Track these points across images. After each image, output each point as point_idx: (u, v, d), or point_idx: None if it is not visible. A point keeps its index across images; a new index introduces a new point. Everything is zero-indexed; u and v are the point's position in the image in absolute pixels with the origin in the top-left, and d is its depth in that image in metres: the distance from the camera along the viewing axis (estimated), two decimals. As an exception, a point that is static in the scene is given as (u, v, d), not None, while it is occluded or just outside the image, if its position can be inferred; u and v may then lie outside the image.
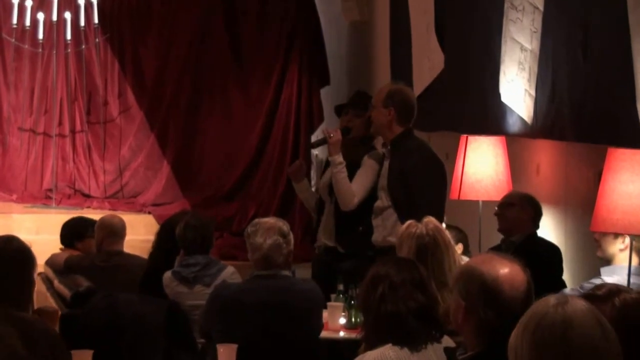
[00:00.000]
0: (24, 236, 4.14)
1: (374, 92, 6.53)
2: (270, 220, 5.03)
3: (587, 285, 4.57)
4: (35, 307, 4.87)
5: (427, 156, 5.99)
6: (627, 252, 4.68)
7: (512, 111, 6.02)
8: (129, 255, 6.77)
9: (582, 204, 5.56)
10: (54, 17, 10.23)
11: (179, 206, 9.73)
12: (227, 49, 10.50)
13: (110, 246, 6.68)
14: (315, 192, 6.98)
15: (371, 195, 6.14)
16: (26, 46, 10.41)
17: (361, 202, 6.17)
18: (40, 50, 10.43)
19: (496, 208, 5.68)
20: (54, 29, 10.29)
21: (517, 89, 5.95)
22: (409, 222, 4.59)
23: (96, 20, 10.29)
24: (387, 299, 3.53)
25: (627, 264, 4.63)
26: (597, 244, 4.92)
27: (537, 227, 5.59)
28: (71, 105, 10.60)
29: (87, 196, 10.54)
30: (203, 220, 5.70)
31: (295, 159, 8.83)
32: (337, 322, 5.34)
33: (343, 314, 5.39)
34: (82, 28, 10.37)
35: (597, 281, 4.62)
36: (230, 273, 5.62)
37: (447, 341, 3.55)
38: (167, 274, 5.59)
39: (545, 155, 6.17)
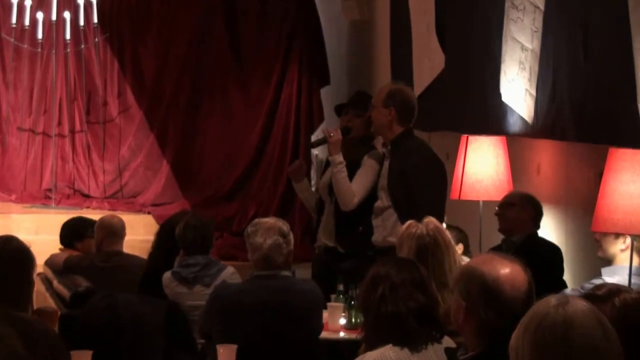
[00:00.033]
0: (23, 236, 4.14)
1: (374, 91, 6.53)
2: (270, 220, 5.03)
3: (588, 286, 4.56)
4: (35, 307, 4.86)
5: (427, 156, 5.98)
6: (628, 252, 4.68)
7: (512, 111, 6.01)
8: (128, 256, 6.76)
9: (583, 204, 5.55)
10: (54, 17, 10.23)
11: (178, 206, 9.72)
12: (227, 49, 10.49)
13: (110, 246, 6.67)
14: (315, 192, 6.97)
15: (371, 195, 6.13)
16: (25, 46, 10.41)
17: (361, 202, 6.17)
18: (39, 49, 10.42)
19: (497, 208, 5.68)
20: (53, 28, 10.28)
21: (517, 89, 5.94)
22: (409, 222, 4.58)
23: (95, 20, 10.28)
24: (387, 299, 3.53)
25: (628, 265, 4.62)
26: (598, 244, 4.91)
27: (538, 227, 5.58)
28: (70, 105, 10.59)
29: (87, 196, 10.53)
30: (203, 221, 5.70)
31: (295, 159, 8.83)
32: (337, 323, 5.33)
33: (343, 314, 5.38)
34: (82, 28, 10.36)
35: (598, 282, 4.60)
36: (230, 273, 5.61)
37: (448, 342, 3.54)
38: (167, 275, 5.58)
39: (545, 155, 6.17)
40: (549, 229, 5.88)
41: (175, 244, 5.61)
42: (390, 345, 3.46)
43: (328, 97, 10.25)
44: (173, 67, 10.54)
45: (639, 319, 2.88)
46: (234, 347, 4.40)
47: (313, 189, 7.48)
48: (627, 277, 4.57)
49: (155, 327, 4.87)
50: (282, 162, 10.10)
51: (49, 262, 7.01)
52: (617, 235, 4.76)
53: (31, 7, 10.23)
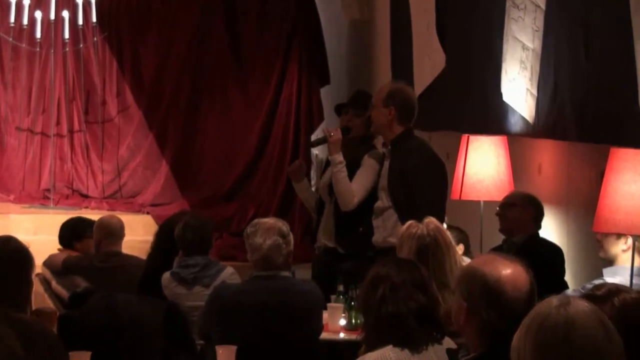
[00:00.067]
0: (22, 236, 4.14)
1: (374, 91, 6.51)
2: (269, 220, 5.02)
3: (589, 287, 4.54)
4: (33, 308, 4.84)
5: (427, 156, 5.96)
6: (630, 252, 4.67)
7: (513, 110, 6.00)
8: (127, 256, 6.75)
9: (585, 204, 5.54)
10: (52, 16, 10.21)
11: (177, 206, 9.71)
12: (227, 48, 10.49)
13: (109, 247, 6.66)
14: (315, 192, 6.96)
15: (371, 196, 6.11)
16: (24, 45, 10.39)
17: (361, 202, 6.15)
18: (38, 49, 10.41)
19: (497, 208, 5.66)
20: (52, 27, 10.27)
21: (518, 88, 5.93)
22: (409, 222, 4.58)
23: (94, 19, 10.27)
24: (387, 299, 3.51)
25: (629, 265, 4.61)
26: (600, 245, 4.91)
27: (539, 227, 5.57)
28: (69, 104, 10.58)
29: (85, 196, 10.52)
30: (202, 221, 5.69)
31: (295, 159, 8.83)
32: (337, 323, 5.32)
33: (343, 315, 5.37)
34: (80, 27, 10.34)
35: (599, 283, 4.59)
36: (229, 274, 5.60)
37: (448, 342, 3.53)
38: (166, 275, 5.57)
39: (547, 155, 6.15)
40: (550, 229, 5.87)
41: (175, 245, 5.60)
42: (391, 346, 3.45)
43: (328, 96, 10.24)
44: (173, 67, 10.53)
45: (639, 319, 2.88)
46: (234, 348, 4.39)
47: (313, 189, 7.47)
48: (628, 278, 4.56)
49: (154, 327, 4.86)
50: (282, 162, 10.09)
51: (48, 263, 7.00)
52: (619, 235, 4.76)
53: (29, 6, 10.22)
